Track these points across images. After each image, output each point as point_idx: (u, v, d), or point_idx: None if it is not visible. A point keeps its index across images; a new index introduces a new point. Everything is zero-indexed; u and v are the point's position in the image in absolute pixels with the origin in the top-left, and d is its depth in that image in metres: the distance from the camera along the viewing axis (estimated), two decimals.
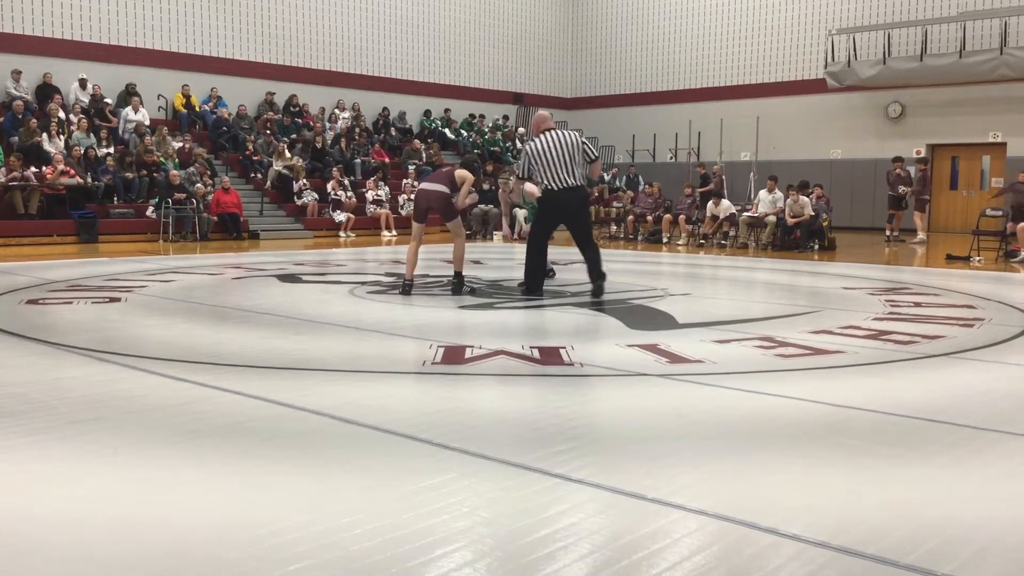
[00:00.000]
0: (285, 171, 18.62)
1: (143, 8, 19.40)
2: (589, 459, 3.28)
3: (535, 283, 8.16)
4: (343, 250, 14.58)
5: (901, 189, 17.42)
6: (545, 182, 7.81)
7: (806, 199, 15.72)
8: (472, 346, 5.53)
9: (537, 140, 7.93)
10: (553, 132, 7.95)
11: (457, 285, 8.30)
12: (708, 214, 17.07)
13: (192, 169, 17.12)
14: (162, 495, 2.90)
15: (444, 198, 8.27)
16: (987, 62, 19.43)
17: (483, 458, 3.29)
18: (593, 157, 8.01)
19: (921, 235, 17.42)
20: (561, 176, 7.77)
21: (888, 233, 17.64)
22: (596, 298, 7.85)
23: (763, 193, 16.61)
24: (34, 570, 2.35)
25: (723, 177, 19.43)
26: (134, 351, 5.31)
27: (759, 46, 23.81)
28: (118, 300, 7.67)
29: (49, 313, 6.99)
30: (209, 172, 17.59)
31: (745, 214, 16.68)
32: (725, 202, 17.19)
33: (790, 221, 15.67)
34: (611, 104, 27.08)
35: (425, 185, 8.45)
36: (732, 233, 16.74)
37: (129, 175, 16.51)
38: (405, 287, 8.20)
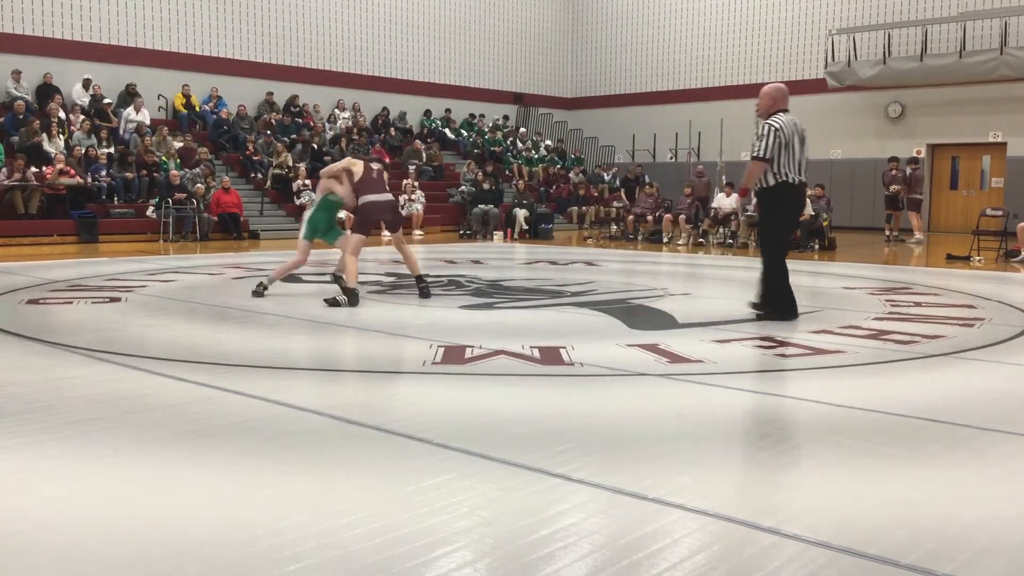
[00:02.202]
0: (278, 170, 18.62)
1: (143, 8, 19.40)
2: (589, 459, 3.28)
3: (787, 303, 6.78)
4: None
5: (892, 188, 17.45)
6: (789, 173, 6.52)
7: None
8: (472, 346, 5.53)
9: (784, 120, 6.55)
10: (790, 115, 6.65)
11: (426, 288, 8.03)
12: (715, 205, 17.03)
13: (198, 170, 17.14)
14: (162, 495, 2.90)
15: (397, 206, 8.08)
16: (987, 62, 19.43)
17: (483, 458, 3.29)
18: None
19: (918, 235, 17.42)
20: (802, 168, 6.64)
21: (887, 233, 17.64)
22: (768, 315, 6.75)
23: None
24: (34, 570, 2.35)
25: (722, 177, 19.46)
26: (134, 351, 5.30)
27: (759, 46, 23.81)
28: (118, 300, 7.67)
29: (49, 313, 6.99)
30: (211, 172, 17.61)
31: (746, 214, 16.68)
32: (736, 194, 17.19)
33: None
34: (611, 104, 27.07)
35: (377, 197, 7.72)
36: (733, 229, 16.75)
37: (129, 175, 16.50)
38: (352, 295, 7.38)
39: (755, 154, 6.49)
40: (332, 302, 7.29)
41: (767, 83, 7.27)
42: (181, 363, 5.01)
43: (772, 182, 6.53)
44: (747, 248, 16.05)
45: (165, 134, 18.05)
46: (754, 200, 15.24)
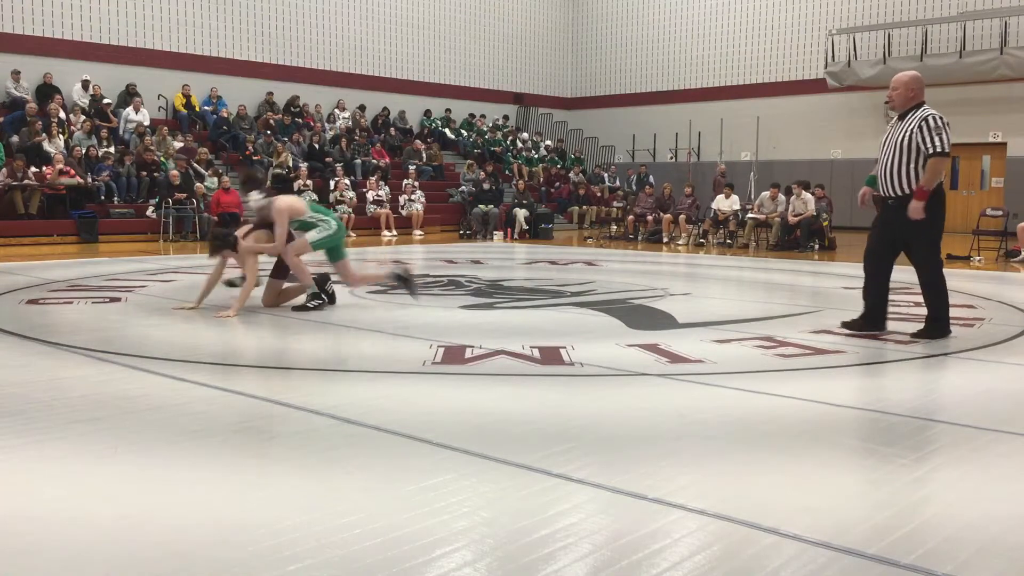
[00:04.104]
0: (278, 170, 18.63)
1: (143, 8, 19.40)
2: (589, 459, 3.28)
3: (946, 322, 6.13)
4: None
5: None
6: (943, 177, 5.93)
7: (809, 196, 15.73)
8: (472, 346, 5.53)
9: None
10: None
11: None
12: (715, 207, 17.03)
13: (208, 173, 17.22)
14: (162, 495, 2.90)
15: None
16: (987, 62, 19.44)
17: (483, 458, 3.29)
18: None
19: None
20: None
21: None
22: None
23: (765, 196, 16.64)
24: (34, 570, 2.35)
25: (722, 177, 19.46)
26: (134, 351, 5.30)
27: (759, 46, 23.81)
28: (118, 300, 7.67)
29: (49, 313, 6.99)
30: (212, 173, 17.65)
31: (750, 215, 16.69)
32: (735, 196, 17.17)
33: (792, 220, 15.67)
34: (611, 104, 27.07)
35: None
36: (733, 230, 16.75)
37: (121, 169, 16.46)
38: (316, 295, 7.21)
39: (938, 149, 5.66)
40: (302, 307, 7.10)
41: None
42: (181, 363, 5.01)
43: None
44: (747, 248, 16.05)
45: (165, 134, 18.04)
46: (807, 208, 15.13)
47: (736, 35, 24.22)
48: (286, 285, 7.36)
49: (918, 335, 6.01)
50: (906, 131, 5.79)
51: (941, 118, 5.76)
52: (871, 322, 6.18)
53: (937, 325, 6.03)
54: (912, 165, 5.77)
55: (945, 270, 6.27)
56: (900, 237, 6.06)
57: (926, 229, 5.98)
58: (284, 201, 7.20)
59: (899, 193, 5.85)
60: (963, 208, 20.78)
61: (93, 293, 8.11)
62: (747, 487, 3.02)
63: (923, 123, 5.73)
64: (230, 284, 7.56)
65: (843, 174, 21.81)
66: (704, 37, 24.95)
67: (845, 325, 6.23)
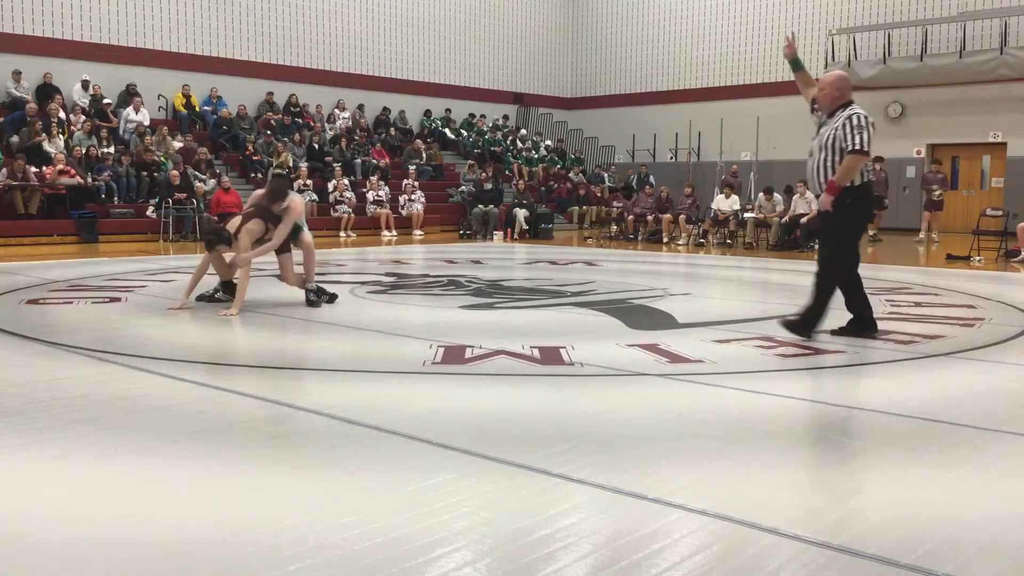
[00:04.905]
0: (278, 170, 18.63)
1: (143, 8, 19.40)
2: (589, 459, 3.28)
3: (817, 320, 5.96)
4: (343, 250, 14.58)
5: (933, 190, 17.56)
6: (866, 172, 5.85)
7: (812, 195, 15.72)
8: (472, 346, 5.53)
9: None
10: None
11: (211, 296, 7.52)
12: (715, 207, 17.02)
13: (207, 175, 17.24)
14: (162, 495, 2.90)
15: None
16: (987, 62, 19.44)
17: (483, 458, 3.29)
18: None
19: (870, 232, 17.56)
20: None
21: (870, 232, 17.71)
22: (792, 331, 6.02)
23: (762, 197, 16.67)
24: (34, 570, 2.35)
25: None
26: (134, 351, 5.30)
27: (759, 46, 23.80)
28: (118, 300, 7.67)
29: (49, 313, 6.99)
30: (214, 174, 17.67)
31: (749, 215, 16.69)
32: (735, 196, 17.17)
33: (803, 220, 15.66)
34: (611, 104, 27.07)
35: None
36: (733, 230, 16.74)
37: (120, 169, 16.46)
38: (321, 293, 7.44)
39: (856, 147, 5.62)
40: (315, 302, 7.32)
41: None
42: (181, 363, 5.01)
43: (859, 180, 5.76)
44: (748, 248, 16.05)
45: (165, 134, 18.04)
46: (811, 207, 15.19)
47: (736, 35, 24.22)
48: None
49: (786, 324, 6.00)
50: (832, 130, 5.81)
51: (865, 117, 5.77)
52: (860, 327, 6.06)
53: (802, 321, 5.94)
54: (836, 163, 5.76)
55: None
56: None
57: (838, 227, 5.86)
58: (299, 202, 7.33)
59: (824, 190, 5.86)
60: (963, 208, 20.79)
61: (93, 293, 8.11)
62: (747, 487, 3.02)
63: (847, 121, 5.73)
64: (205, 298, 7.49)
65: None
66: (704, 37, 24.94)
67: (835, 334, 6.06)
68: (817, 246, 7.21)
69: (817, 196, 6.01)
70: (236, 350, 5.62)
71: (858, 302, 6.07)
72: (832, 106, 5.89)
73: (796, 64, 6.34)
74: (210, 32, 20.51)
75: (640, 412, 4.02)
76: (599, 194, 22.91)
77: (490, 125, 25.27)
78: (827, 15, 22.55)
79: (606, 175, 24.31)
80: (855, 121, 5.72)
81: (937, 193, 17.39)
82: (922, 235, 17.58)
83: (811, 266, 12.00)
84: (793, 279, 10.57)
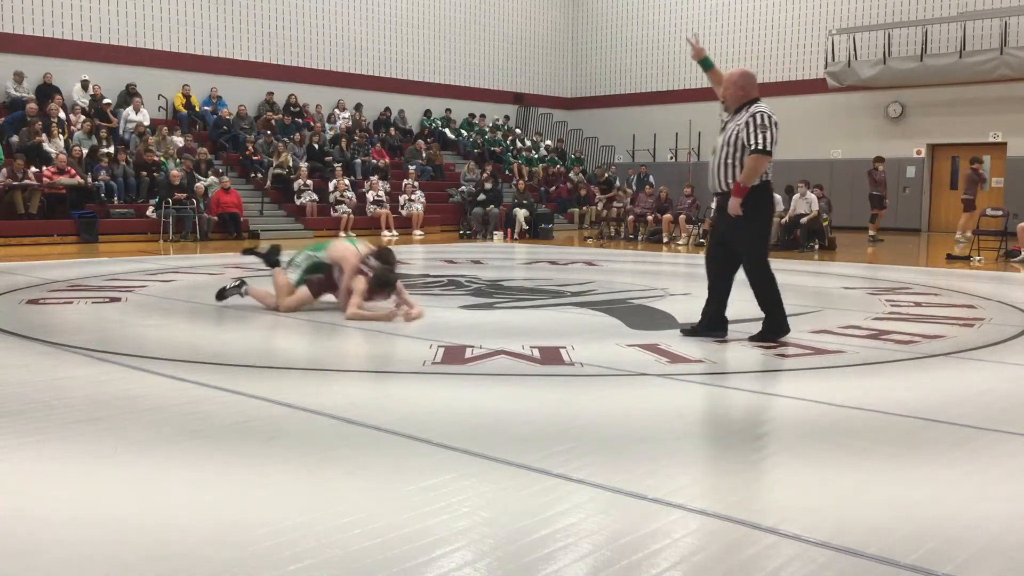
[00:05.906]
0: (279, 170, 18.64)
1: (143, 8, 19.41)
2: (589, 459, 3.28)
3: (781, 318, 5.86)
4: None
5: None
6: (769, 171, 5.74)
7: (812, 195, 15.74)
8: (472, 346, 5.53)
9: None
10: None
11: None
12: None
13: (209, 173, 17.24)
14: (162, 495, 2.90)
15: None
16: (987, 62, 19.44)
17: (483, 458, 3.29)
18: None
19: (871, 232, 17.53)
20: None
21: (871, 233, 17.70)
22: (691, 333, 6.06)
23: None
24: (34, 570, 2.35)
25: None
26: (134, 351, 5.30)
27: (759, 46, 23.81)
28: (118, 300, 7.66)
29: (49, 313, 6.99)
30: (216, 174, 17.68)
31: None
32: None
33: (790, 218, 15.65)
34: (611, 104, 27.08)
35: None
36: None
37: (118, 169, 16.47)
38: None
39: (759, 146, 5.52)
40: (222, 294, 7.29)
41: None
42: (181, 363, 5.01)
43: (758, 180, 5.65)
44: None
45: (165, 134, 18.05)
46: (811, 207, 15.23)
47: (736, 35, 24.22)
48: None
49: (754, 338, 5.82)
50: (735, 127, 5.71)
51: (769, 116, 5.62)
52: (709, 327, 5.98)
53: (770, 322, 5.84)
54: (739, 161, 5.64)
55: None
56: (724, 233, 5.92)
57: (746, 226, 5.74)
58: (341, 249, 7.07)
59: (725, 189, 5.73)
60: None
61: (93, 293, 8.11)
62: (747, 487, 3.02)
63: (751, 119, 5.60)
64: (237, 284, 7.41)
65: (843, 174, 21.82)
66: (704, 37, 24.87)
67: (686, 333, 6.02)
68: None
69: (716, 194, 5.91)
70: (236, 350, 5.62)
71: (718, 301, 5.99)
72: (738, 103, 5.77)
73: (706, 63, 6.23)
74: (210, 32, 20.51)
75: (640, 412, 4.02)
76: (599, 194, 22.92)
77: (490, 125, 25.27)
78: (827, 15, 22.55)
79: (606, 175, 24.31)
80: (759, 120, 5.59)
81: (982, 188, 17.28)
82: (960, 235, 16.96)
83: (811, 266, 11.99)
84: (793, 279, 10.56)
